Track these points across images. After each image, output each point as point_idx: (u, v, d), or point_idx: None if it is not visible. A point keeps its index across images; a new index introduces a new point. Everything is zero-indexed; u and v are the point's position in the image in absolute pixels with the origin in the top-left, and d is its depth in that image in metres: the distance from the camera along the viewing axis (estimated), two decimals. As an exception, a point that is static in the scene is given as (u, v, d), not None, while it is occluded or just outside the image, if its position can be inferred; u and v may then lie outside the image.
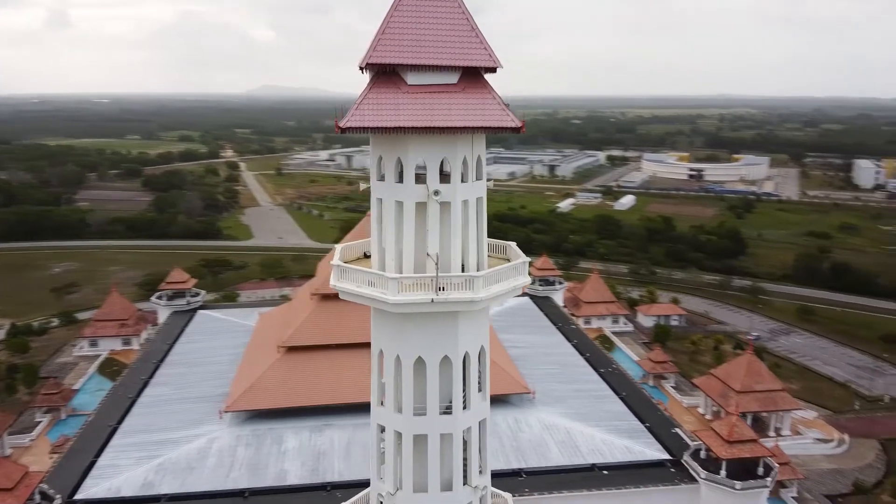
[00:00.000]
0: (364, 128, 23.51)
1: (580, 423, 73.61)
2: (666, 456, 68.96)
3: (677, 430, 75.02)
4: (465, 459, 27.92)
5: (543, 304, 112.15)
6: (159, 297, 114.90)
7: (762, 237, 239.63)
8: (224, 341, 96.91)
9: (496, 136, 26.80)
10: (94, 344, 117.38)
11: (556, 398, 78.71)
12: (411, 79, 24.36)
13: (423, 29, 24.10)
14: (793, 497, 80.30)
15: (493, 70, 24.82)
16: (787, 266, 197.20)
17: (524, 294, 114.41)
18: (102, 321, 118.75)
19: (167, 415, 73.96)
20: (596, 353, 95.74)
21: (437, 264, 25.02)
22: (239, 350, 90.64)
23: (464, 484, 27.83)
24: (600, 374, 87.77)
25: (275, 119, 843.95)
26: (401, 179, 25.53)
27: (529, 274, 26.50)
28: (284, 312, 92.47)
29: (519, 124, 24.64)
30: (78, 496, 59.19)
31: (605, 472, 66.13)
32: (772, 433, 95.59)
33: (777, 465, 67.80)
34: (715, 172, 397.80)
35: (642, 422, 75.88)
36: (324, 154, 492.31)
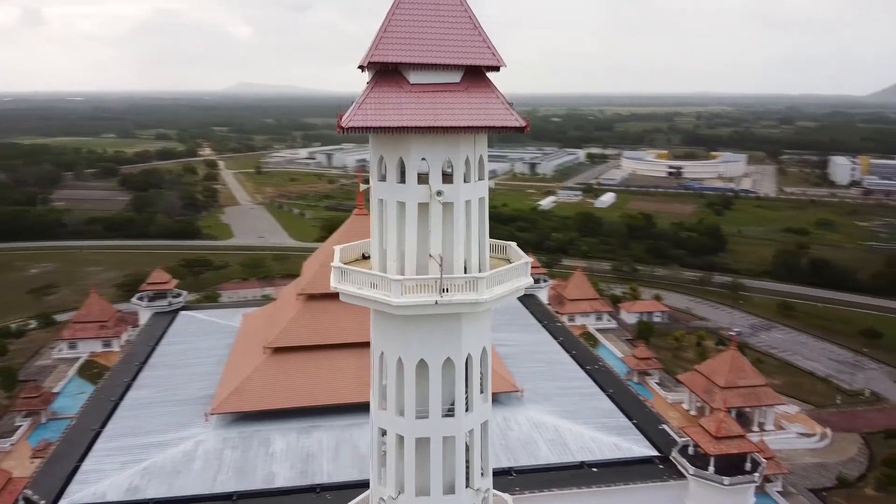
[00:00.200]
0: (367, 127, 23.10)
1: (569, 421, 73.68)
2: (654, 452, 69.16)
3: (664, 426, 75.35)
4: (466, 462, 27.67)
5: (528, 301, 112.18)
6: (140, 299, 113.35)
7: (741, 234, 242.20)
8: (208, 343, 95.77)
9: (493, 135, 26.46)
10: (73, 346, 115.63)
11: (544, 396, 78.74)
12: (414, 77, 23.99)
13: (426, 27, 23.75)
14: (778, 491, 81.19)
15: (496, 69, 24.53)
16: (767, 262, 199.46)
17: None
18: (81, 323, 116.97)
19: (152, 418, 72.86)
20: (582, 351, 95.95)
21: (441, 266, 24.71)
22: (223, 351, 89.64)
23: (466, 487, 27.58)
24: (587, 372, 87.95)
25: (253, 117, 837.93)
26: (403, 180, 25.16)
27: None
28: (269, 313, 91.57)
29: (523, 124, 24.39)
30: (62, 502, 58.06)
31: (594, 469, 66.19)
32: (756, 428, 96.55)
33: (764, 460, 68.37)
34: (693, 170, 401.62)
35: (630, 419, 76.07)
36: (303, 152, 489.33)
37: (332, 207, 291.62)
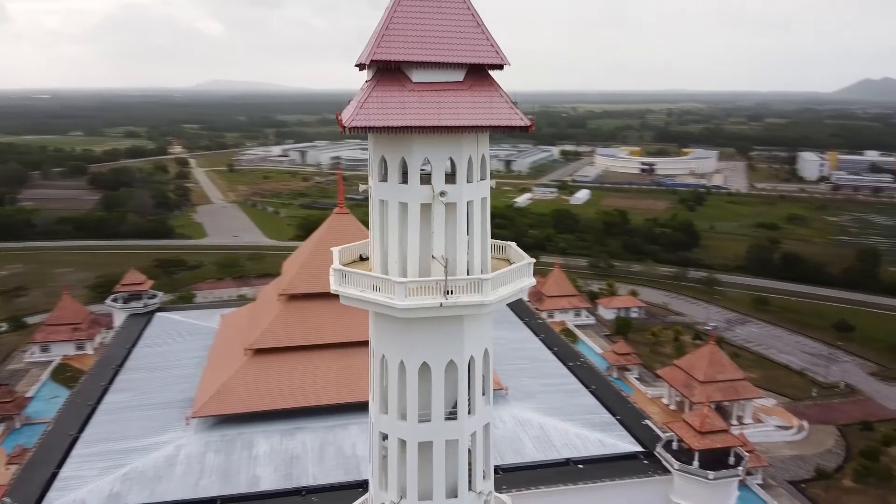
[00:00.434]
0: (370, 127, 22.60)
1: (553, 418, 73.75)
2: (638, 448, 69.50)
3: (647, 421, 75.82)
4: (468, 464, 27.35)
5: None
6: (114, 300, 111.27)
7: (714, 229, 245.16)
8: (186, 344, 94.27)
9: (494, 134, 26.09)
10: (45, 349, 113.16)
11: (528, 393, 78.75)
12: (417, 76, 23.50)
13: (428, 24, 23.27)
14: (758, 484, 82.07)
15: (499, 67, 24.17)
16: (740, 257, 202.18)
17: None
18: (54, 325, 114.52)
19: (131, 422, 71.42)
20: (564, 348, 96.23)
21: (445, 267, 24.32)
22: (202, 353, 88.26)
23: (469, 490, 27.28)
24: (569, 368, 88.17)
25: (224, 114, 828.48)
26: (405, 180, 24.69)
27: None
28: (249, 313, 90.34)
29: (528, 123, 24.08)
30: (41, 509, 56.74)
31: (580, 465, 66.29)
32: (734, 422, 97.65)
33: (747, 454, 69.08)
34: (666, 166, 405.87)
35: (613, 414, 76.39)
36: (276, 149, 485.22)
37: (307, 205, 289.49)
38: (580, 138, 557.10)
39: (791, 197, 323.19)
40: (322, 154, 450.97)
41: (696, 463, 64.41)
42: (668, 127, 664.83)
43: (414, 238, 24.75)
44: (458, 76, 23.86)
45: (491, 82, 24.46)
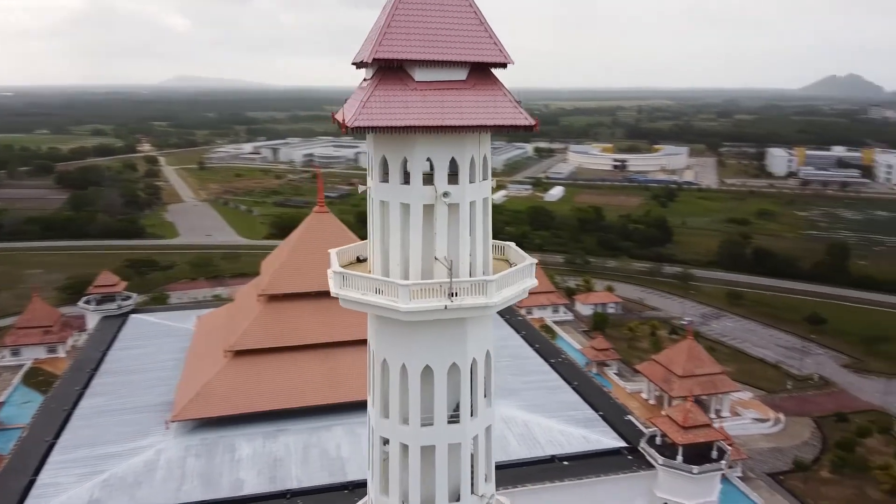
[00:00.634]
0: (374, 127, 22.11)
1: (537, 415, 73.82)
2: (622, 444, 69.87)
3: (630, 417, 76.29)
4: (471, 467, 27.05)
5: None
6: (87, 302, 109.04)
7: (686, 225, 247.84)
8: (162, 347, 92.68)
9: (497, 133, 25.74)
10: (16, 353, 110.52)
11: (511, 391, 78.70)
12: (419, 75, 23.02)
13: (430, 22, 22.80)
14: (738, 477, 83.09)
15: (503, 65, 23.84)
16: (713, 252, 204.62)
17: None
18: (24, 328, 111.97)
19: (108, 427, 69.94)
20: (544, 344, 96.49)
21: (449, 269, 23.93)
22: (179, 355, 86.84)
23: (471, 493, 26.97)
24: (551, 365, 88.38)
25: (193, 111, 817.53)
26: (406, 181, 24.23)
27: None
28: (227, 314, 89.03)
29: (532, 122, 23.79)
30: (19, 518, 55.32)
31: (565, 462, 66.45)
32: (713, 415, 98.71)
33: (729, 447, 69.84)
34: (637, 163, 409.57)
35: (596, 410, 76.71)
36: (248, 147, 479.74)
37: (281, 203, 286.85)
38: (553, 135, 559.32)
39: (760, 192, 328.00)
40: (295, 151, 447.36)
41: (679, 457, 64.93)
42: (639, 124, 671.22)
43: (416, 240, 24.32)
44: (461, 75, 23.47)
45: (494, 81, 24.11)
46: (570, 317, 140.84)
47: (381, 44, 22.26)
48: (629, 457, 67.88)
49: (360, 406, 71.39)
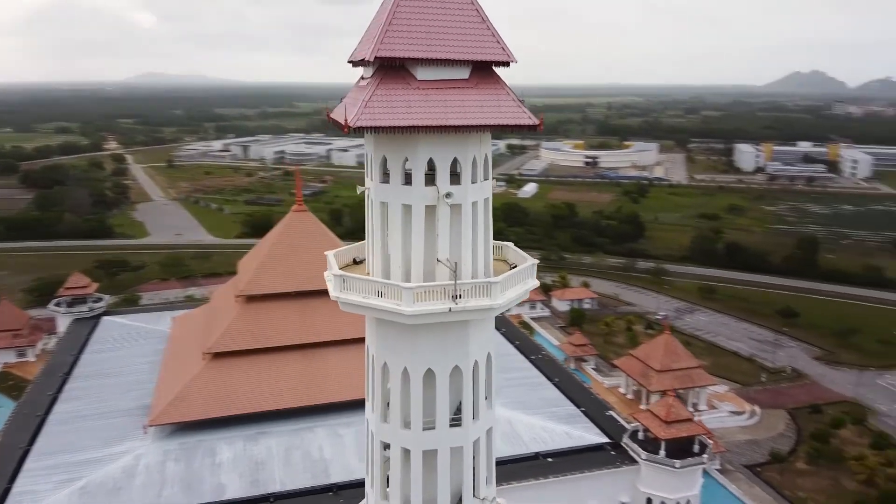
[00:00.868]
0: (377, 127, 21.60)
1: (519, 412, 73.78)
2: (605, 439, 70.13)
3: (611, 412, 76.69)
4: (472, 470, 26.75)
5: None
6: (58, 304, 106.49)
7: (658, 220, 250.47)
8: (137, 349, 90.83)
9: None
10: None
11: (494, 388, 78.56)
12: (421, 74, 22.56)
13: (432, 20, 22.33)
14: (717, 469, 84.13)
15: (505, 64, 23.50)
16: (685, 247, 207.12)
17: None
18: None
19: (84, 432, 68.30)
20: (524, 341, 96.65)
21: (454, 271, 23.54)
22: (155, 358, 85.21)
23: (473, 496, 26.67)
24: (531, 362, 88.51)
25: (160, 108, 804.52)
26: (408, 181, 23.77)
27: None
28: (204, 315, 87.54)
29: (536, 122, 23.48)
30: (-7, 529, 53.77)
31: (548, 459, 66.53)
32: (690, 409, 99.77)
33: (710, 441, 70.55)
34: (608, 159, 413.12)
35: (577, 406, 76.95)
36: (217, 144, 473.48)
37: (252, 202, 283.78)
38: (524, 132, 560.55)
39: (729, 188, 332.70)
40: (265, 148, 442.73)
41: (662, 452, 65.41)
42: (609, 120, 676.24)
43: (418, 241, 23.87)
44: (464, 74, 23.06)
45: (497, 80, 23.74)
46: (546, 313, 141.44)
47: (383, 42, 21.76)
48: (612, 452, 68.15)
49: (341, 407, 71.20)
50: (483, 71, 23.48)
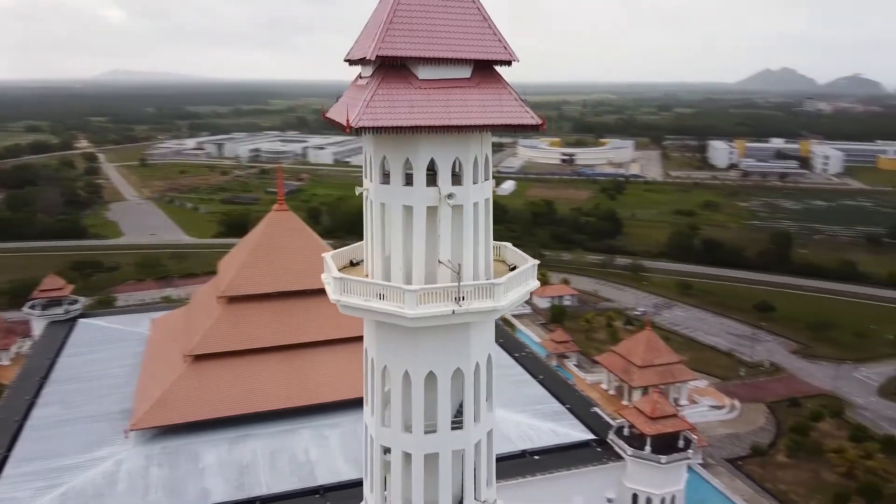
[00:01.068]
0: (380, 128, 21.21)
1: (505, 410, 73.59)
2: (590, 436, 70.39)
3: (596, 409, 77.01)
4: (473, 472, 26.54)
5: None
6: (32, 307, 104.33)
7: (635, 217, 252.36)
8: (115, 352, 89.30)
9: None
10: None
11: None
12: (423, 73, 22.21)
13: (433, 18, 21.98)
14: (699, 464, 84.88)
15: (508, 63, 23.23)
16: (662, 243, 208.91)
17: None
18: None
19: (64, 437, 66.96)
20: (508, 338, 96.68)
21: (458, 273, 23.24)
22: (134, 361, 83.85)
23: (474, 499, 26.45)
24: (515, 359, 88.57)
25: (131, 106, 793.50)
26: (409, 182, 23.42)
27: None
28: (184, 317, 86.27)
29: (539, 122, 23.25)
30: (-28, 538, 52.51)
31: (535, 457, 66.58)
32: (671, 404, 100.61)
33: (695, 436, 71.11)
34: (585, 156, 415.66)
35: (562, 403, 77.13)
36: (191, 142, 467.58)
37: (228, 201, 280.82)
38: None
39: (704, 184, 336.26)
40: (240, 147, 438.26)
41: (647, 448, 65.79)
42: (584, 118, 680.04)
43: (420, 243, 23.54)
44: (465, 73, 22.75)
45: (499, 79, 23.45)
46: (527, 310, 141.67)
47: (385, 40, 21.37)
48: (598, 449, 68.41)
49: (326, 408, 70.65)
50: (485, 70, 23.20)
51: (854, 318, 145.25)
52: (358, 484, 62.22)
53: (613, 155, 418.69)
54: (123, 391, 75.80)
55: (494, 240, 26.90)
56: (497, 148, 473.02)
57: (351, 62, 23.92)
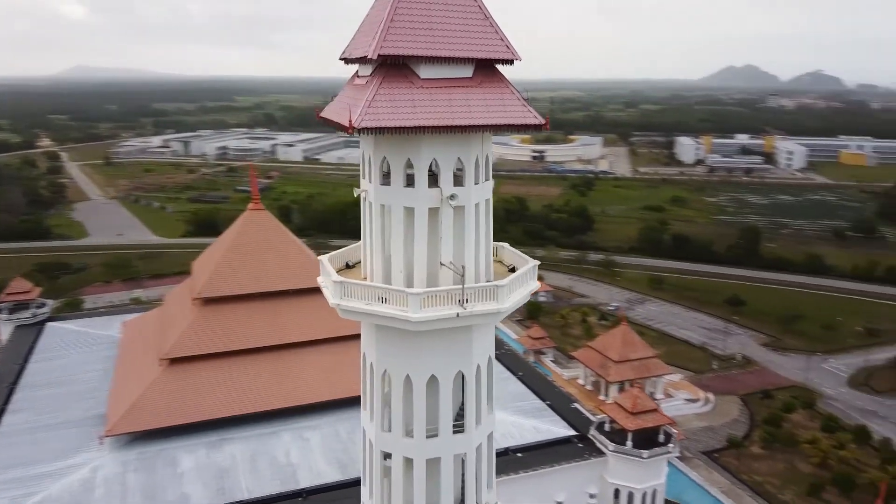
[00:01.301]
0: (382, 128, 20.76)
1: (488, 409, 73.71)
2: (572, 432, 70.57)
3: (576, 405, 77.29)
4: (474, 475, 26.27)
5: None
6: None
7: (606, 213, 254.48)
8: (85, 356, 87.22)
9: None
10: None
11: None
12: (425, 72, 21.83)
13: (434, 17, 21.60)
14: (677, 457, 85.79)
15: (510, 62, 22.93)
16: (633, 239, 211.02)
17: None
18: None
19: (36, 445, 65.12)
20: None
21: (462, 276, 22.90)
22: (106, 365, 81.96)
23: (476, 502, 26.19)
24: (495, 356, 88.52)
25: (93, 103, 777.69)
26: (410, 183, 23.01)
27: None
28: (158, 319, 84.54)
29: (542, 121, 23.02)
30: (-55, 550, 50.82)
31: (519, 454, 66.57)
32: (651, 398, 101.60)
33: (675, 430, 71.73)
34: (555, 153, 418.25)
35: (542, 400, 77.24)
36: (156, 140, 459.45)
37: (196, 199, 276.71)
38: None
39: (672, 180, 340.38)
40: (207, 144, 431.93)
41: (629, 443, 66.19)
42: (553, 114, 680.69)
43: (421, 245, 23.15)
44: (467, 72, 22.41)
45: (501, 78, 23.16)
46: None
47: (386, 39, 20.92)
48: (580, 445, 68.62)
49: (306, 410, 69.86)
50: (487, 69, 22.90)
51: (821, 310, 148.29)
52: (341, 486, 61.88)
53: (582, 152, 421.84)
54: (96, 396, 74.01)
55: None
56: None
57: (347, 61, 23.43)
